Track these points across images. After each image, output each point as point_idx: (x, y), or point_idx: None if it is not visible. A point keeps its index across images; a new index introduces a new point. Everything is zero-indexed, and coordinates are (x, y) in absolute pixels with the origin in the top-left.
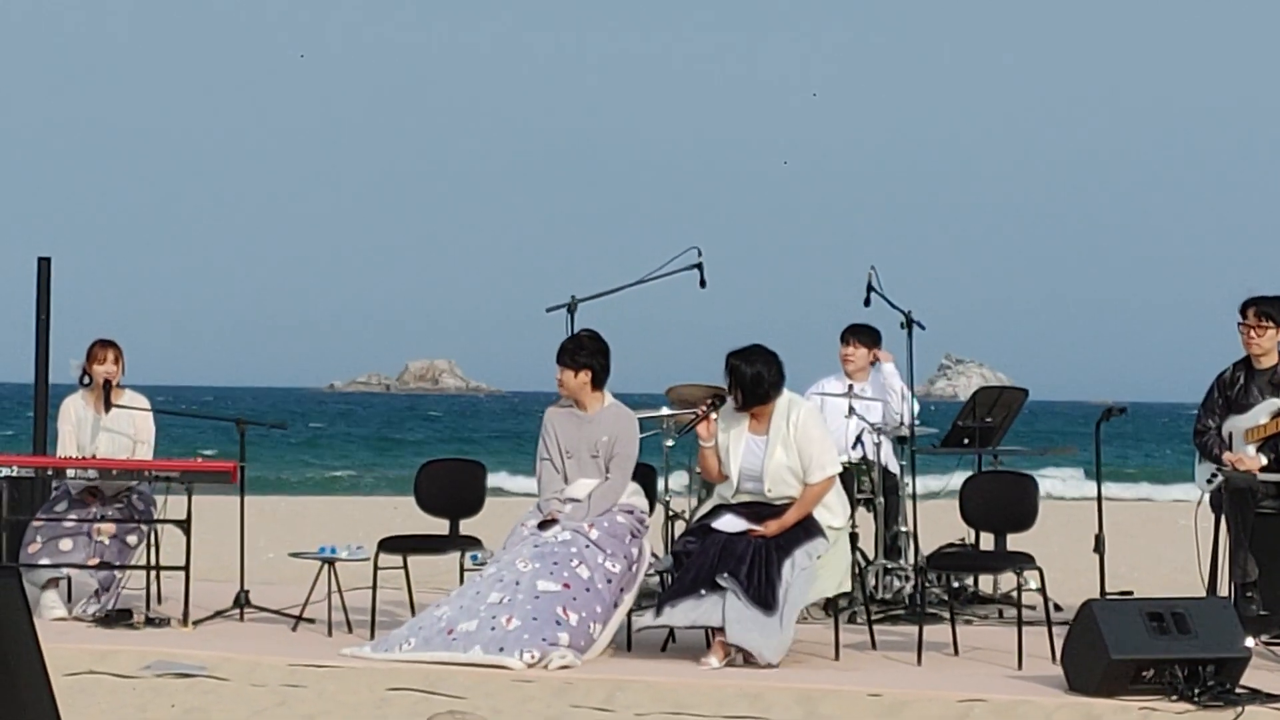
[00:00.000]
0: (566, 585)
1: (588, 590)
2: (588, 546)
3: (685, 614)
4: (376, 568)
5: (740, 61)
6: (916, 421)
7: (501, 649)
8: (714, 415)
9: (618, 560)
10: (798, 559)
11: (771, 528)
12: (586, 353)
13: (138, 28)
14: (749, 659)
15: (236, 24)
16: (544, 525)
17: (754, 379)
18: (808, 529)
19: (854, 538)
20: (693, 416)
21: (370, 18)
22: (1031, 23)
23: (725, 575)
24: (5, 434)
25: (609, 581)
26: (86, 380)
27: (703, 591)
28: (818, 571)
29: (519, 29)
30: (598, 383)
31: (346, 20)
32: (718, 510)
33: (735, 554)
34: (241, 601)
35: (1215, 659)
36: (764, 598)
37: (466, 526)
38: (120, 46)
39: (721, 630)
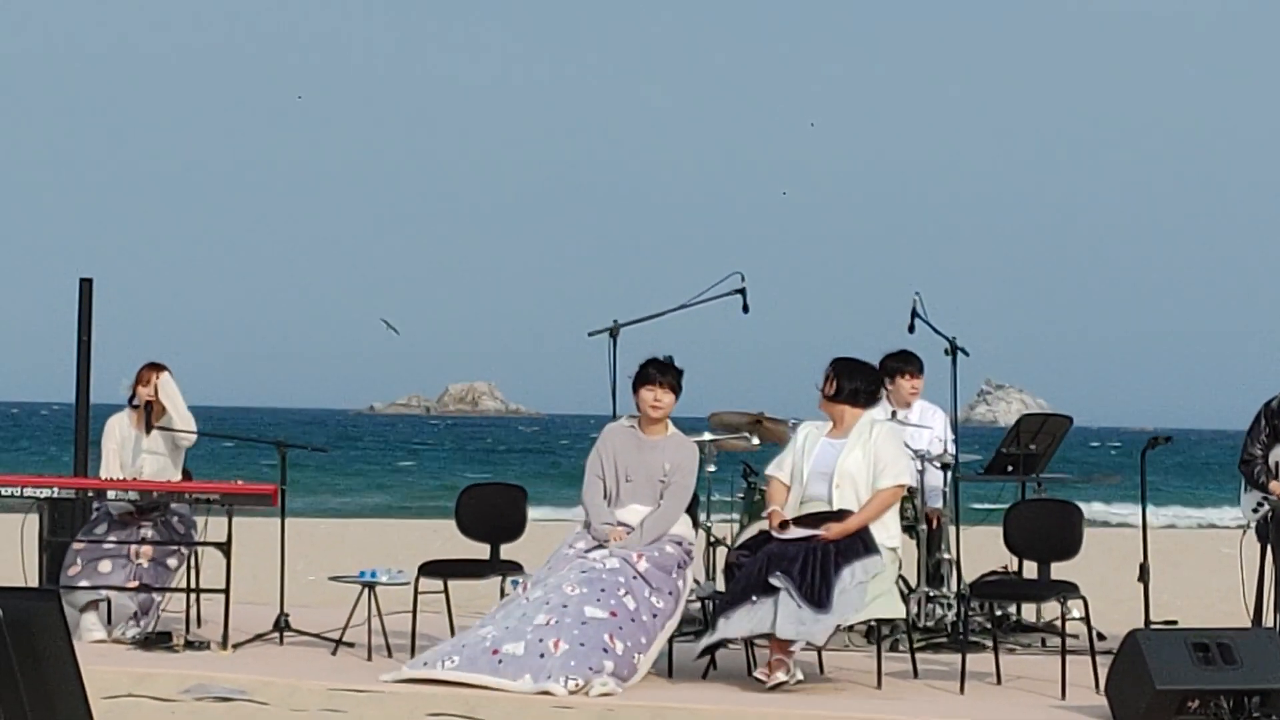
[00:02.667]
0: (613, 614)
1: (633, 621)
2: (635, 578)
3: (740, 624)
4: (417, 592)
5: (784, 85)
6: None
7: (549, 676)
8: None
9: (663, 596)
10: (856, 571)
11: (834, 530)
12: (677, 376)
13: (182, 51)
14: (799, 680)
15: (280, 48)
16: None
17: (852, 393)
18: (867, 544)
19: (898, 564)
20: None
21: (416, 42)
22: (1082, 53)
23: (777, 574)
24: (51, 452)
25: (654, 616)
26: (136, 402)
27: (754, 598)
28: (870, 589)
29: (563, 54)
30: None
31: (392, 44)
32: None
33: (787, 556)
34: (281, 625)
35: (1261, 690)
36: (818, 596)
37: (507, 551)
38: (163, 69)
39: (773, 636)
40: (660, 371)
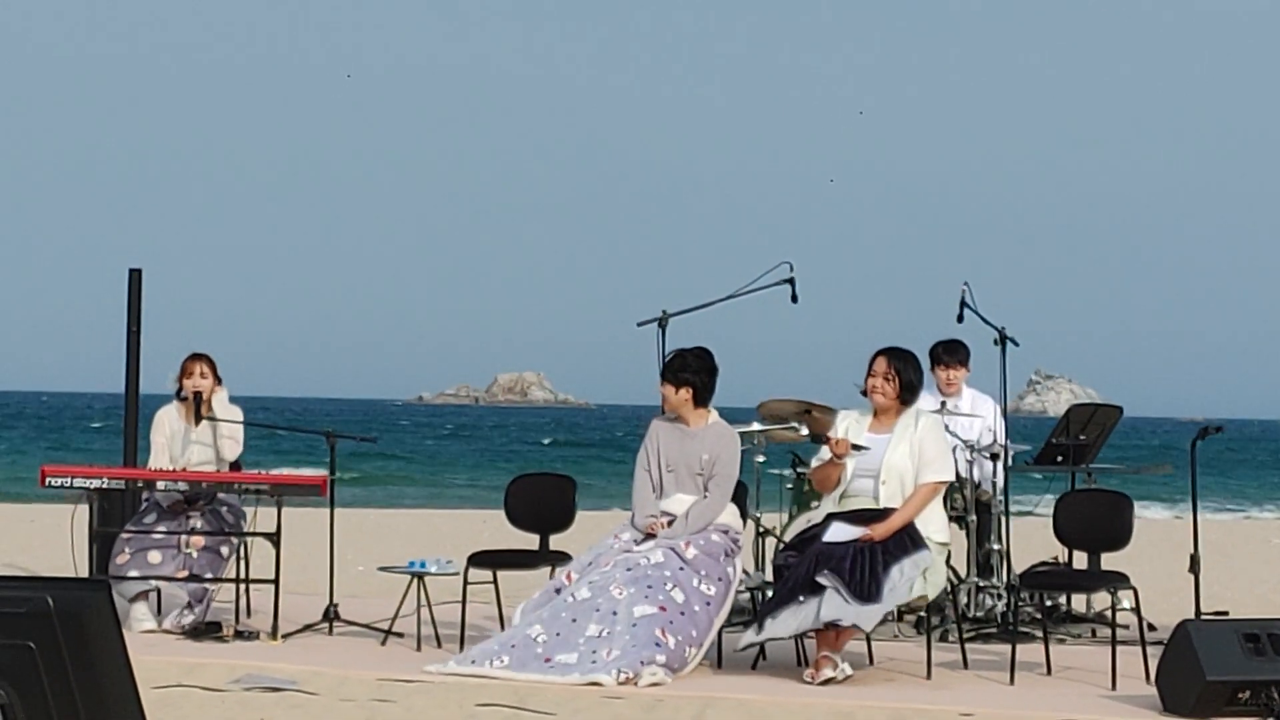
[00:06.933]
0: (663, 608)
1: (683, 614)
2: (682, 568)
3: (786, 623)
4: (466, 582)
5: (833, 76)
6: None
7: (598, 668)
8: (837, 437)
9: (713, 582)
10: (906, 568)
11: (879, 530)
12: (690, 370)
13: (231, 45)
14: (848, 675)
15: (328, 41)
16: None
17: (912, 389)
18: (914, 539)
19: (947, 556)
20: (795, 431)
21: (464, 33)
22: (1131, 45)
23: (825, 572)
24: (100, 442)
25: (707, 604)
26: (183, 395)
27: (801, 598)
28: (919, 584)
29: (608, 49)
30: (700, 400)
31: (440, 36)
32: (828, 520)
33: (835, 555)
34: (330, 615)
35: None
36: (867, 591)
37: (556, 542)
38: (213, 63)
39: (819, 633)
40: (670, 368)
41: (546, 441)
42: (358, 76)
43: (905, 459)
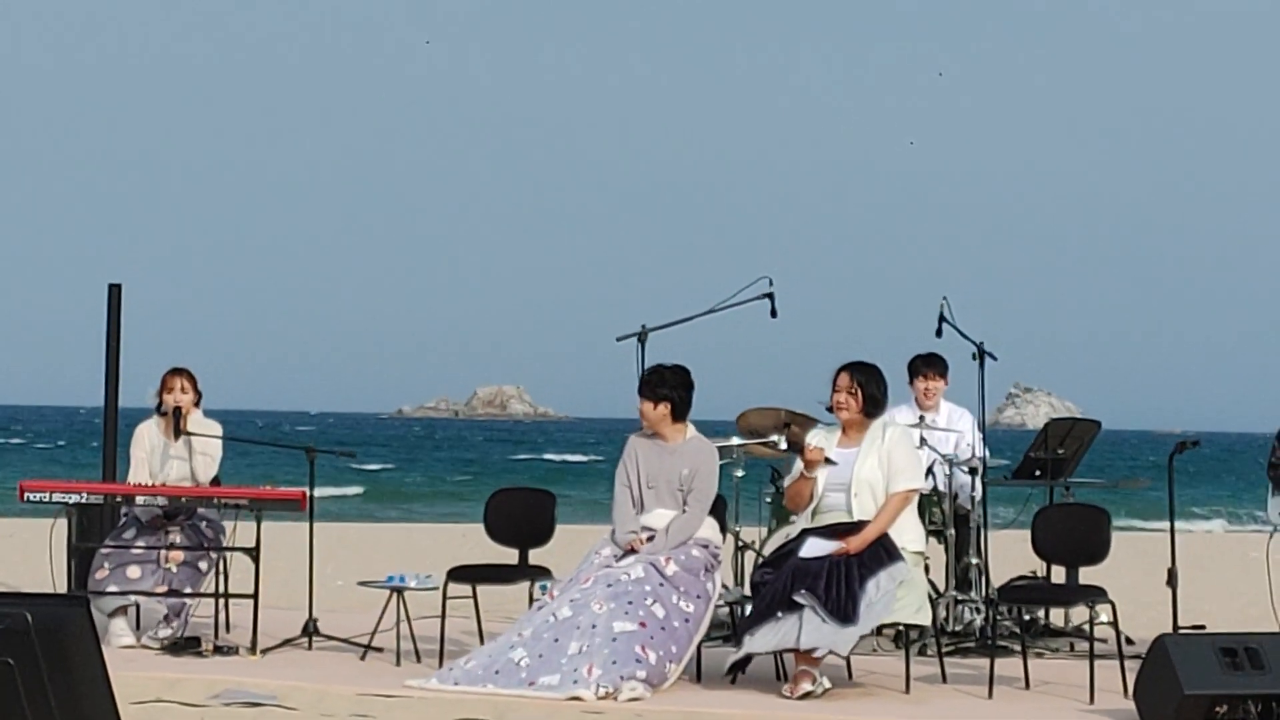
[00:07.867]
0: (643, 624)
1: (663, 629)
2: (662, 584)
3: (764, 639)
4: (445, 597)
5: (814, 88)
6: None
7: (577, 684)
8: (811, 444)
9: (692, 600)
10: (882, 581)
11: (854, 543)
12: (667, 386)
13: (208, 57)
14: (827, 689)
15: (309, 54)
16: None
17: (876, 403)
18: (889, 551)
19: (925, 569)
20: (774, 445)
21: (447, 45)
22: (1113, 62)
23: (802, 592)
24: (79, 457)
25: (686, 621)
26: (163, 410)
27: (779, 614)
28: (899, 595)
29: (593, 60)
30: (678, 415)
31: (423, 47)
32: (803, 535)
33: (811, 573)
34: (310, 630)
35: None
36: (844, 611)
37: (536, 556)
38: (191, 75)
39: (797, 651)
40: (648, 384)
41: (526, 456)
42: (335, 91)
43: (875, 470)
